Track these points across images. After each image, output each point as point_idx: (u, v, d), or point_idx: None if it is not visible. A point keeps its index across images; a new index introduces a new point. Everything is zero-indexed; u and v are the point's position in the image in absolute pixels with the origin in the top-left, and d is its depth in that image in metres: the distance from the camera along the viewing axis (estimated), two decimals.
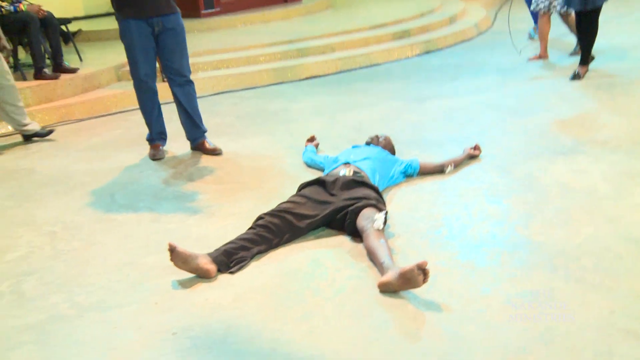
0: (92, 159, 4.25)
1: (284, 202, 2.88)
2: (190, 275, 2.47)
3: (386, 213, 2.68)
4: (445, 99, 5.27)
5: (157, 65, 4.06)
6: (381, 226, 2.59)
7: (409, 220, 2.91)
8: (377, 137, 3.60)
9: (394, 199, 3.19)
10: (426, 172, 3.48)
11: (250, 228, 2.73)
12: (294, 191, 3.10)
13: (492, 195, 3.12)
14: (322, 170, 3.60)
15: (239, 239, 2.64)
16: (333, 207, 2.83)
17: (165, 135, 4.24)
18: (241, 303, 2.27)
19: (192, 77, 4.10)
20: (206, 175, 3.76)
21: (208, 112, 4.89)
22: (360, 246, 2.65)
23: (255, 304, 2.26)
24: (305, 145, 4.00)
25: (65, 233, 3.03)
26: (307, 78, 6.57)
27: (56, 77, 5.70)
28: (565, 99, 4.92)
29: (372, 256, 2.49)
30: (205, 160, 4.06)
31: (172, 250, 2.42)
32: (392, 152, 3.63)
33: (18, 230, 3.11)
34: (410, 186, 3.35)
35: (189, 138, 4.22)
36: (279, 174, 3.69)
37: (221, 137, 4.47)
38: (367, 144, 3.58)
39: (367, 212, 2.69)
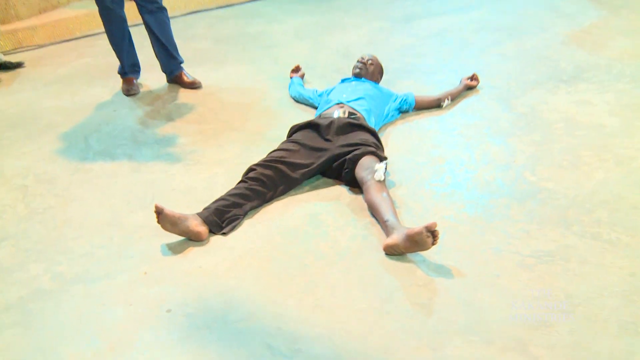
0: (61, 94, 3.92)
1: (275, 150, 2.66)
2: (181, 237, 2.29)
3: (387, 162, 2.49)
4: (434, 18, 4.94)
5: None
6: (382, 177, 2.40)
7: (409, 166, 2.72)
8: (364, 64, 3.32)
9: (390, 138, 2.99)
10: (422, 107, 3.27)
11: (240, 181, 2.52)
12: (283, 131, 2.89)
13: (494, 134, 2.93)
14: (312, 105, 3.36)
15: (230, 194, 2.44)
16: (329, 155, 2.63)
17: (139, 67, 3.90)
18: (238, 271, 2.11)
19: None
20: (186, 113, 3.49)
21: (182, 36, 4.52)
22: (360, 198, 2.48)
23: (254, 272, 2.10)
24: (291, 77, 3.72)
25: (39, 187, 2.79)
26: None
27: None
28: (562, 14, 4.64)
29: (374, 212, 2.33)
30: (184, 95, 3.77)
31: (160, 212, 2.22)
32: (381, 74, 3.40)
33: None
34: (407, 123, 3.15)
35: (164, 70, 3.89)
36: (265, 111, 3.43)
37: (199, 67, 4.15)
38: (357, 76, 3.31)
39: (366, 161, 2.50)
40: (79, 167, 2.94)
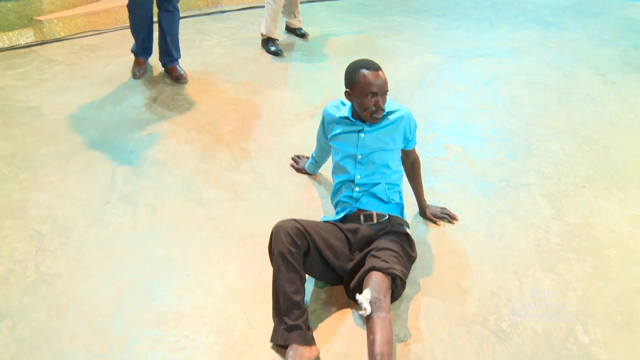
0: (104, 101, 3.23)
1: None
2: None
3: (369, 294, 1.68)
4: (485, 60, 4.09)
5: None
6: (368, 310, 1.65)
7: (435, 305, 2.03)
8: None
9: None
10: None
11: (285, 262, 1.72)
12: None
13: (546, 254, 2.22)
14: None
15: (293, 292, 1.70)
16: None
17: (150, 50, 3.50)
18: None
19: None
20: (227, 122, 2.79)
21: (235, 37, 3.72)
22: None
23: None
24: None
25: (54, 240, 2.16)
26: None
27: None
28: (608, 82, 3.76)
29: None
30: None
31: None
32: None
33: (4, 223, 2.25)
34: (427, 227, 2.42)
35: (160, 60, 3.50)
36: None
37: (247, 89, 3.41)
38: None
39: (369, 284, 1.73)
40: (97, 218, 2.28)
